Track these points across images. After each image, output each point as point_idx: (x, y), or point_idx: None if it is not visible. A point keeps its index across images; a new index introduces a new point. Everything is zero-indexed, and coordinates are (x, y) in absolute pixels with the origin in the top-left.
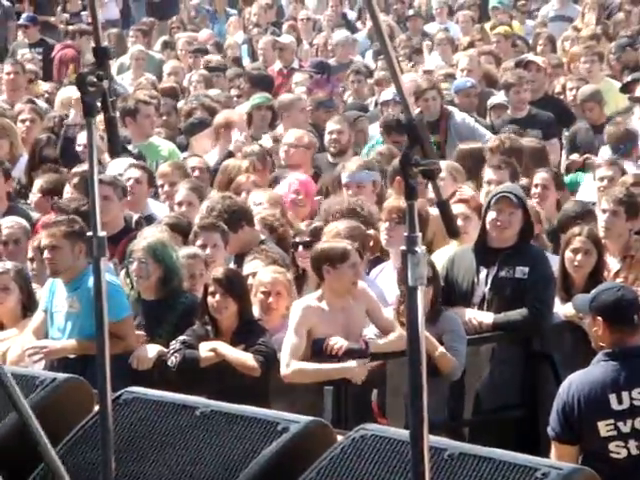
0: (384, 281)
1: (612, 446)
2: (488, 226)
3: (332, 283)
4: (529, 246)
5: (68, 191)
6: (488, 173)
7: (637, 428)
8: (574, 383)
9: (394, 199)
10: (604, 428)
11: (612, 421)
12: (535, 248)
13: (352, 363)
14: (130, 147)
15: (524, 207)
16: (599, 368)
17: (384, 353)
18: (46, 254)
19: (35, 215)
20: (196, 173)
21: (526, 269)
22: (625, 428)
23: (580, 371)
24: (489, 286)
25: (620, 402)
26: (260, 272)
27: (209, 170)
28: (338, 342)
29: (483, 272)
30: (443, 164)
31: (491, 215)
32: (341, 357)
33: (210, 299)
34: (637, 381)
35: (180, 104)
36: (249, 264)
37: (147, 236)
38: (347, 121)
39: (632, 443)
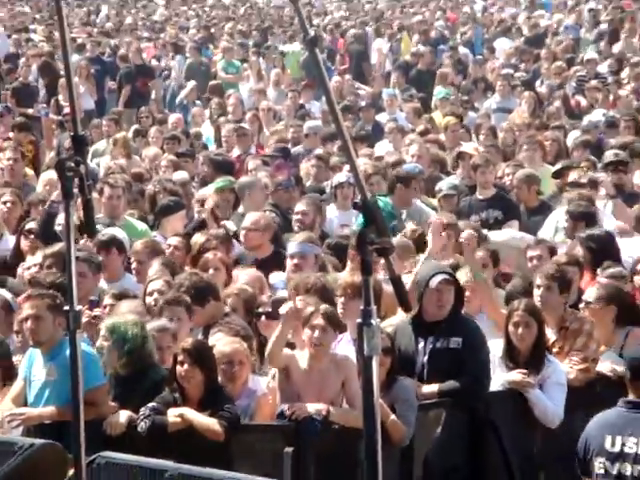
0: (342, 351)
1: None
2: (428, 304)
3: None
4: (460, 318)
5: (34, 263)
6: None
7: (622, 473)
8: (590, 422)
9: (349, 275)
10: (597, 465)
11: (603, 460)
12: (466, 319)
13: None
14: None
15: (456, 284)
16: (610, 412)
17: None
18: (29, 324)
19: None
20: (171, 250)
21: (459, 339)
22: (612, 470)
23: (601, 412)
24: (427, 356)
25: (613, 445)
26: (219, 344)
27: (187, 247)
28: (299, 410)
29: (421, 343)
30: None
31: (433, 294)
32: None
33: (179, 368)
34: (633, 431)
35: (149, 188)
36: (214, 336)
37: (115, 313)
38: (314, 204)
39: None
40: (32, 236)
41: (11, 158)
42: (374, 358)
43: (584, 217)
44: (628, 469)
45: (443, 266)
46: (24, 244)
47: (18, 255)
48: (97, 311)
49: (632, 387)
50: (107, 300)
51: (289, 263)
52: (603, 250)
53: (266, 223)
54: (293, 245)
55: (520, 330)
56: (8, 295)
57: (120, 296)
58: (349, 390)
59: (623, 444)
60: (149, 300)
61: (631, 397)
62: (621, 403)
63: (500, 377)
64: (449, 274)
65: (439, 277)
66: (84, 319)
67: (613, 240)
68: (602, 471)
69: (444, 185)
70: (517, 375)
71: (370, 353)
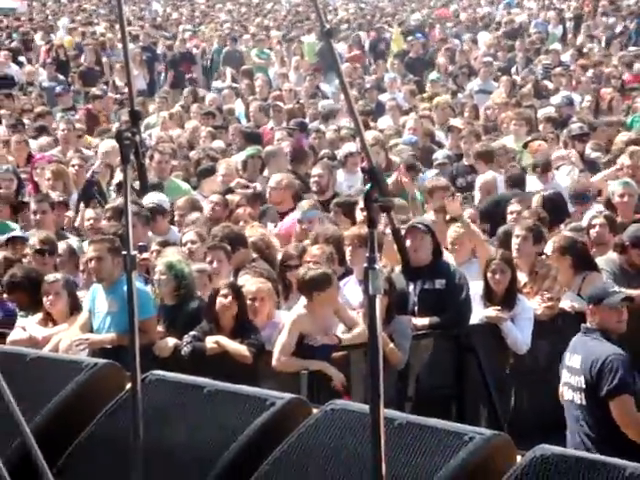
0: (349, 290)
1: (564, 389)
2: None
3: (322, 302)
4: (442, 262)
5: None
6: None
7: (571, 382)
8: None
9: (356, 228)
10: (563, 375)
11: (564, 371)
12: (447, 264)
13: (324, 364)
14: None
15: (432, 233)
16: (576, 335)
17: (349, 345)
18: (93, 264)
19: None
20: (213, 205)
21: (443, 281)
22: (567, 379)
23: None
24: (417, 297)
25: (569, 360)
26: (246, 284)
27: (225, 204)
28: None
29: (411, 286)
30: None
31: (407, 242)
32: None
33: (222, 300)
34: (577, 350)
35: (192, 154)
36: (242, 278)
37: (165, 255)
38: (328, 167)
39: (569, 391)
40: None
41: (65, 129)
42: (377, 297)
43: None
44: (572, 379)
45: (420, 219)
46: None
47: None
48: (145, 255)
49: (589, 315)
50: (154, 247)
51: (298, 227)
52: (556, 208)
53: (287, 183)
54: (301, 212)
55: (497, 276)
56: (74, 243)
57: (164, 244)
58: (344, 316)
59: (573, 360)
60: (184, 249)
61: (587, 324)
62: (582, 329)
63: (480, 312)
64: (423, 224)
65: (412, 227)
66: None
67: (562, 199)
68: (564, 380)
69: (440, 155)
70: (493, 311)
71: (374, 292)
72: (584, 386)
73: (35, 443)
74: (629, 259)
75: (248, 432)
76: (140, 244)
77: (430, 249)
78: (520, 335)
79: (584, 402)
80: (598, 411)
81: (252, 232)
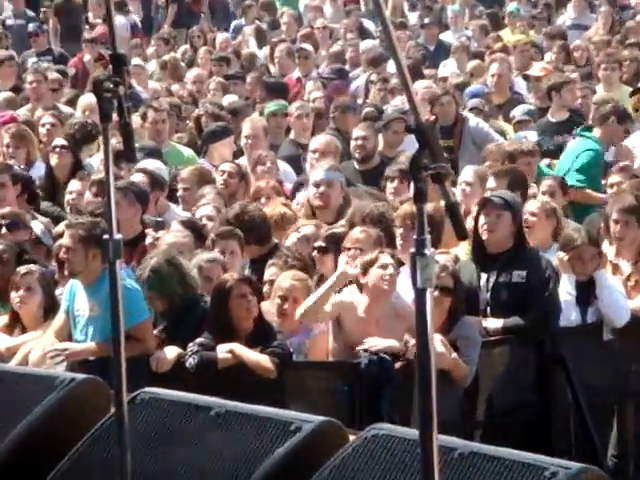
0: (401, 284)
1: None
2: (480, 231)
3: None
4: (524, 250)
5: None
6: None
7: None
8: None
9: (408, 205)
10: None
11: None
12: (532, 251)
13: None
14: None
15: (513, 211)
16: None
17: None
18: (62, 254)
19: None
20: (225, 177)
21: (524, 273)
22: None
23: None
24: (490, 292)
25: None
26: (280, 277)
27: (241, 175)
28: (373, 342)
29: (483, 278)
30: (471, 170)
31: (480, 220)
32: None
33: (243, 301)
34: None
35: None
36: (268, 270)
37: (149, 262)
38: (372, 127)
39: None
40: (61, 149)
41: (33, 81)
42: (428, 290)
43: None
44: None
45: (500, 192)
46: (54, 160)
47: (51, 177)
48: (161, 233)
49: None
50: (175, 226)
51: (312, 191)
52: None
53: (335, 145)
54: (319, 172)
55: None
56: (38, 227)
57: (187, 223)
58: None
59: None
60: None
61: None
62: None
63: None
64: (501, 197)
65: (486, 200)
66: (148, 240)
67: None
68: None
69: (518, 112)
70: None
71: (424, 285)
72: None
73: None
74: None
75: (266, 465)
76: (158, 219)
77: (510, 231)
78: (621, 297)
79: None
80: None
81: (272, 210)
